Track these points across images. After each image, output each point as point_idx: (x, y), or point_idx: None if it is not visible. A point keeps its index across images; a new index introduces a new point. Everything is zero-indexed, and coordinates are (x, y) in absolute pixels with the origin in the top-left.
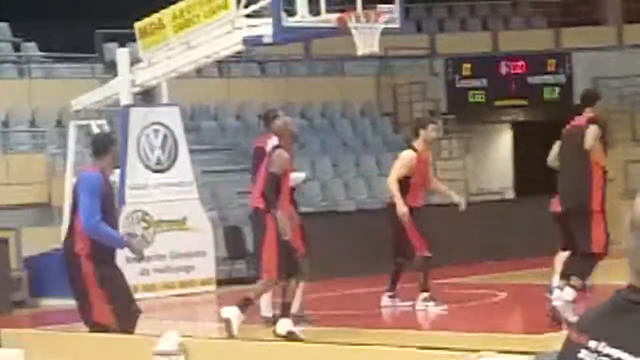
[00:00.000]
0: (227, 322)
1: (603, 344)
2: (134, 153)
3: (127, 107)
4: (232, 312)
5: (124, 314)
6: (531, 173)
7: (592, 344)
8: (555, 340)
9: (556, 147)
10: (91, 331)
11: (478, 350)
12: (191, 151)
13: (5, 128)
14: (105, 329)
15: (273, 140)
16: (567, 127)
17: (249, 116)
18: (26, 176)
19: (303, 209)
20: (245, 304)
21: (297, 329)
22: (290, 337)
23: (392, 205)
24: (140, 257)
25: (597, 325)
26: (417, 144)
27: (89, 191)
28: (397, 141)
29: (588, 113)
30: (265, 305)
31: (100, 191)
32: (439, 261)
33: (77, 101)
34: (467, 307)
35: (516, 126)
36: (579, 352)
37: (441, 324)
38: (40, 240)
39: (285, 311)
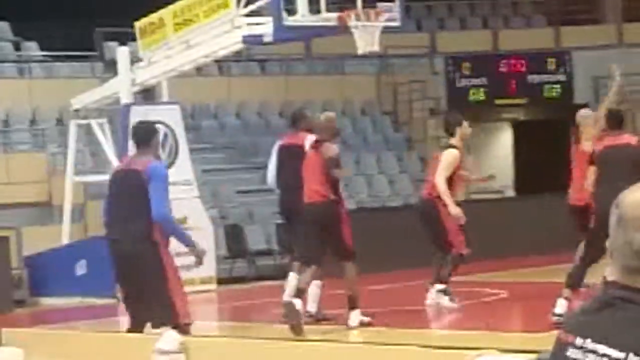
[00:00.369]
0: (362, 324)
1: (588, 340)
2: (134, 152)
3: (128, 105)
4: (355, 316)
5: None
6: (531, 171)
7: (578, 341)
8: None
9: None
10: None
11: (478, 349)
12: (191, 150)
13: (5, 127)
14: (184, 330)
15: (310, 137)
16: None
17: (249, 115)
18: (27, 175)
19: None
20: (355, 300)
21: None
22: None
23: (430, 201)
24: (199, 263)
25: (582, 323)
26: (456, 141)
27: (161, 180)
28: (398, 140)
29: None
30: (312, 300)
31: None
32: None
33: (78, 100)
34: (467, 306)
35: (516, 125)
36: (566, 350)
37: (442, 323)
38: (41, 239)
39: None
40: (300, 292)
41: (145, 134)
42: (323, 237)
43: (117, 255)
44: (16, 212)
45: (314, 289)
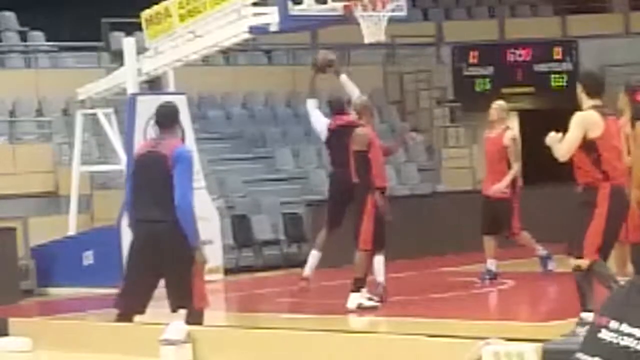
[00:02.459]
0: (360, 307)
1: (625, 325)
2: (141, 142)
3: (134, 95)
4: (354, 298)
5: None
6: (538, 161)
7: (613, 324)
8: (562, 328)
9: None
10: (192, 321)
11: (485, 338)
12: (198, 140)
13: (12, 117)
14: (198, 316)
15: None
16: None
17: (256, 105)
18: (33, 165)
19: (310, 197)
20: (361, 284)
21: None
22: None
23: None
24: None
25: (617, 309)
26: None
27: (187, 165)
28: (404, 129)
29: None
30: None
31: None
32: (447, 248)
33: (84, 90)
34: (473, 295)
35: (523, 114)
36: (599, 332)
37: (448, 312)
38: (47, 229)
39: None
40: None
41: (169, 116)
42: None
43: (141, 237)
44: (23, 203)
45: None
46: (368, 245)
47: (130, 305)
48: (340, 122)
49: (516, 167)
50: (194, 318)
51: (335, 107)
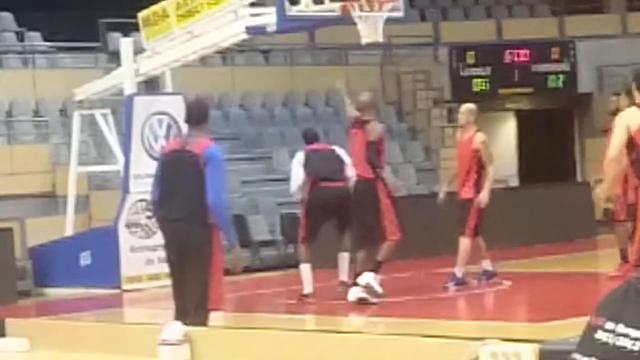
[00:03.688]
0: (367, 286)
1: (621, 325)
2: (138, 142)
3: (131, 96)
4: (367, 277)
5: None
6: (535, 161)
7: (609, 325)
8: (560, 329)
9: None
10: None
11: (483, 339)
12: None
13: (9, 118)
14: (207, 316)
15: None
16: None
17: (253, 105)
18: (30, 166)
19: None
20: (378, 267)
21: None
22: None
23: None
24: (234, 268)
25: (613, 309)
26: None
27: (219, 164)
28: (401, 129)
29: None
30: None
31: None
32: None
33: (81, 91)
34: (471, 295)
35: (520, 114)
36: (595, 332)
37: (446, 312)
38: (45, 229)
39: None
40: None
41: (199, 113)
42: (359, 215)
43: (168, 235)
44: (20, 203)
45: (344, 260)
46: (397, 235)
47: (179, 302)
48: (314, 147)
49: (491, 170)
50: (200, 317)
51: (309, 137)
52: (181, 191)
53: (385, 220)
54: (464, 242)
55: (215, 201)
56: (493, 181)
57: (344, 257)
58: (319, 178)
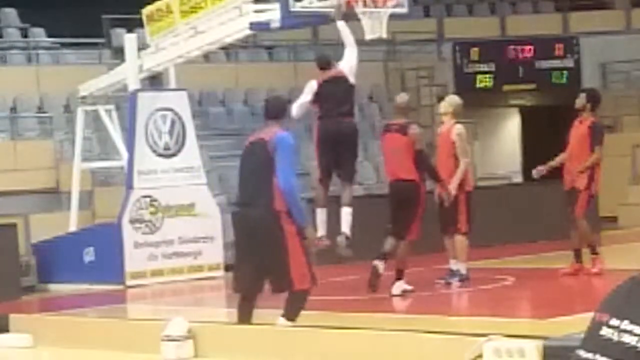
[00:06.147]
0: (405, 291)
1: (626, 322)
2: (142, 138)
3: (135, 92)
4: (398, 286)
5: (314, 278)
6: (539, 157)
7: (614, 322)
8: (563, 325)
9: None
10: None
11: (486, 335)
12: (199, 136)
13: (13, 114)
14: (299, 297)
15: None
16: None
17: (257, 101)
18: (34, 162)
19: (311, 194)
20: (402, 272)
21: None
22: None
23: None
24: (312, 248)
25: (618, 305)
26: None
27: (288, 150)
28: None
29: None
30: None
31: (293, 153)
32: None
33: (85, 87)
34: (474, 292)
35: (524, 111)
36: (600, 329)
37: (449, 309)
38: (49, 225)
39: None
40: (386, 255)
41: (276, 110)
42: (400, 213)
43: (239, 223)
44: (24, 199)
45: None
46: (415, 236)
47: (245, 287)
48: (329, 76)
49: (462, 165)
50: (296, 300)
51: (323, 64)
52: (252, 178)
53: (414, 221)
54: (459, 240)
55: (285, 185)
56: (500, 178)
57: (347, 212)
58: (330, 113)
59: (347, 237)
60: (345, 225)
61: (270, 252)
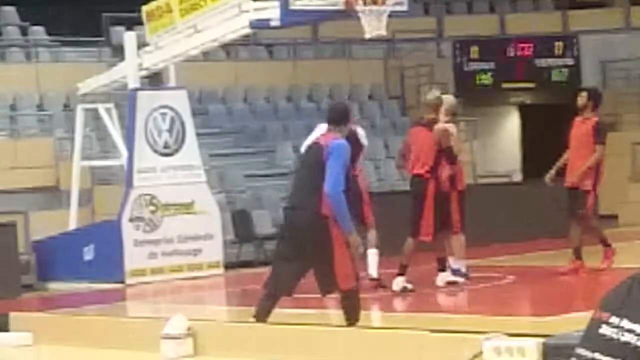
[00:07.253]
0: (404, 290)
1: (625, 320)
2: (142, 136)
3: (135, 90)
4: (398, 282)
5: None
6: (539, 155)
7: (614, 320)
8: (562, 324)
9: None
10: (344, 302)
11: (486, 333)
12: (199, 134)
13: (12, 112)
14: (350, 296)
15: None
16: None
17: (257, 99)
18: (34, 160)
19: None
20: (405, 268)
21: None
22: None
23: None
24: (356, 254)
25: (618, 304)
26: None
27: (340, 157)
28: (405, 124)
29: None
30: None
31: (347, 162)
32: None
33: (85, 85)
34: (474, 290)
35: (524, 109)
36: (600, 327)
37: (449, 307)
38: (48, 224)
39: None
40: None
41: (337, 116)
42: (412, 209)
43: (288, 224)
44: (23, 197)
45: (374, 256)
46: (425, 237)
47: (277, 287)
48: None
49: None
50: (348, 300)
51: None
52: (304, 182)
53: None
54: (456, 238)
55: (331, 190)
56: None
57: (373, 253)
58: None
59: (372, 279)
60: (372, 268)
61: (318, 256)
